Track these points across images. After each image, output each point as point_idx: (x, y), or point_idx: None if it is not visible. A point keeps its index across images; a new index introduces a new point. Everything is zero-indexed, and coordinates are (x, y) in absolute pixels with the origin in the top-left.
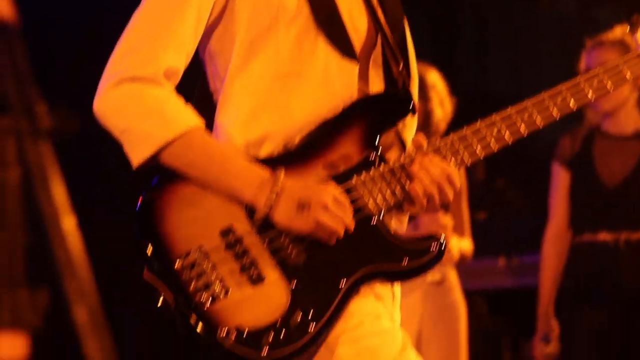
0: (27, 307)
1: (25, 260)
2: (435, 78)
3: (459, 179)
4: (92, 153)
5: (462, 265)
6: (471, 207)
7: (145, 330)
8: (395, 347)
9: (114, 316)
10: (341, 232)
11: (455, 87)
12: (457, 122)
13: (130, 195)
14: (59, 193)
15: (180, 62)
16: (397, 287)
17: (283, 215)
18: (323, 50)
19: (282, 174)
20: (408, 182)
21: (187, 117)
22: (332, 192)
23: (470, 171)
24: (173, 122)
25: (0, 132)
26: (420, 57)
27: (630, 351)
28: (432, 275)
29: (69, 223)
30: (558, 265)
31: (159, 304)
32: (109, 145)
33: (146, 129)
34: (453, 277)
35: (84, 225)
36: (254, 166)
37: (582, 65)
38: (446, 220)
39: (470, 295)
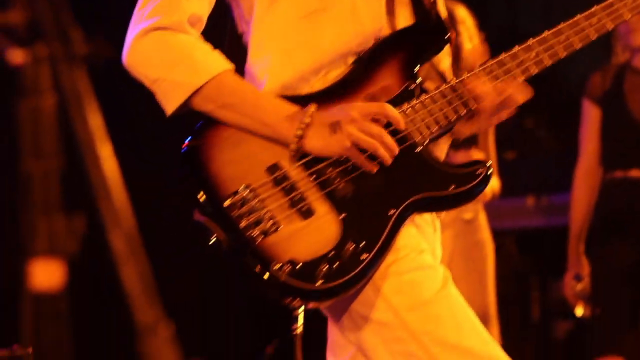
0: (64, 233)
1: (61, 187)
2: (464, 13)
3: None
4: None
5: (491, 205)
6: (500, 146)
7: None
8: (437, 283)
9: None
10: (378, 145)
11: (484, 23)
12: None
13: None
14: (95, 119)
15: (202, 8)
16: (438, 220)
17: (316, 143)
18: None
19: (312, 107)
20: (468, 101)
21: (216, 61)
22: (357, 105)
23: None
24: (202, 67)
25: (35, 59)
26: None
27: None
28: (466, 213)
29: (104, 149)
30: (589, 203)
31: (211, 243)
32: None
33: (176, 77)
34: (482, 216)
35: (118, 151)
36: (285, 103)
37: None
38: (480, 155)
39: (499, 235)
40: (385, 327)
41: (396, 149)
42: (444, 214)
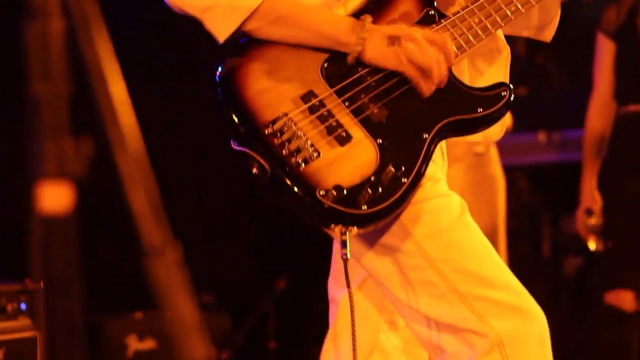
0: (72, 156)
1: (69, 110)
2: None
3: None
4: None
5: (502, 140)
6: (512, 82)
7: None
8: (454, 211)
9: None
10: (434, 67)
11: None
12: None
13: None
14: (103, 43)
15: None
16: (444, 146)
17: (375, 51)
18: None
19: (369, 18)
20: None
21: None
22: (422, 31)
23: (510, 46)
24: None
25: None
26: None
27: None
28: (478, 147)
29: (111, 72)
30: (602, 137)
31: (254, 172)
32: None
33: (230, 3)
34: (493, 151)
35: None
36: (336, 14)
37: None
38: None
39: (510, 170)
40: (403, 254)
41: (446, 77)
42: (456, 147)
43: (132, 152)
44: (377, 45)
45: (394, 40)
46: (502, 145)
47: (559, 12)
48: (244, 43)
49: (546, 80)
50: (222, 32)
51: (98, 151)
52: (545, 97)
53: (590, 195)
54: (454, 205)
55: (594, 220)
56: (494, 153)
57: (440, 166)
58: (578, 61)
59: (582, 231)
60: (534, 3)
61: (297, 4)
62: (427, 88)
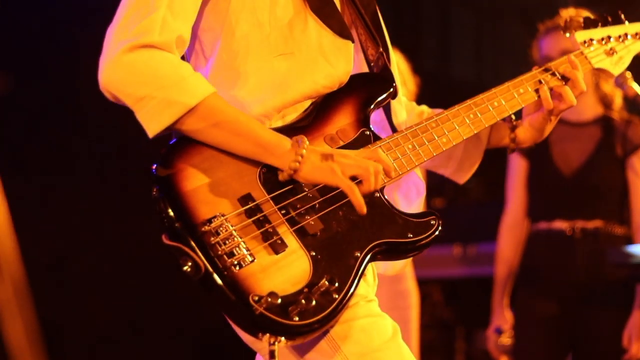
0: None
1: None
2: (398, 59)
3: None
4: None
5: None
6: (429, 194)
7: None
8: (387, 331)
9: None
10: (370, 177)
11: (417, 69)
12: (419, 104)
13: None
14: None
15: (187, 32)
16: (376, 269)
17: (309, 167)
18: (315, 29)
19: (304, 137)
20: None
21: (205, 83)
22: (355, 151)
23: None
24: (194, 87)
25: None
26: None
27: (581, 340)
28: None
29: None
30: (514, 255)
31: (186, 269)
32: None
33: (169, 96)
34: (407, 264)
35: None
36: (275, 132)
37: (537, 54)
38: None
39: (425, 284)
40: None
41: (378, 187)
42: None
43: (10, 279)
44: (312, 162)
45: (327, 157)
46: (417, 257)
47: (480, 160)
48: (183, 137)
49: (463, 193)
50: (152, 127)
51: None
52: (461, 210)
53: (501, 314)
54: (387, 326)
55: (505, 339)
56: (408, 268)
57: (372, 287)
58: (494, 175)
59: (492, 350)
60: (464, 137)
61: (237, 111)
62: (358, 203)
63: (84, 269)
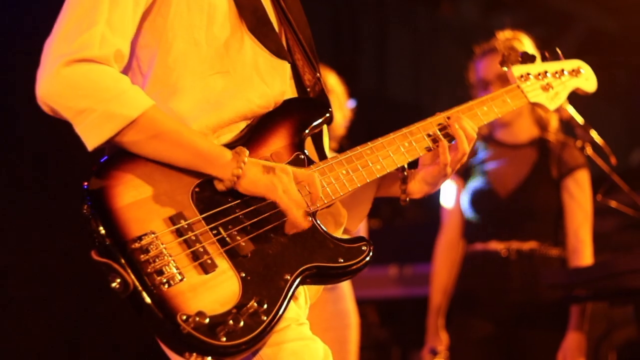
0: None
1: None
2: (334, 82)
3: None
4: None
5: None
6: None
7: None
8: (318, 355)
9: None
10: (302, 204)
11: (355, 91)
12: (357, 127)
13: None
14: None
15: (126, 47)
16: (307, 291)
17: (250, 179)
18: (251, 48)
19: (245, 150)
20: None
21: (144, 96)
22: (294, 168)
23: None
24: (134, 100)
25: None
26: (320, 60)
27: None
28: None
29: None
30: (449, 276)
31: (115, 285)
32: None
33: (109, 109)
34: (346, 285)
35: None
36: (215, 144)
37: (473, 76)
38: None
39: (360, 304)
40: None
41: (306, 222)
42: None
43: None
44: (253, 173)
45: (269, 170)
46: (353, 278)
47: (369, 208)
48: (116, 153)
49: (399, 214)
50: (93, 139)
51: None
52: (398, 231)
53: (436, 335)
54: (318, 349)
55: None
56: (347, 288)
57: (304, 309)
58: (431, 196)
59: None
60: (398, 165)
61: (177, 123)
62: (297, 222)
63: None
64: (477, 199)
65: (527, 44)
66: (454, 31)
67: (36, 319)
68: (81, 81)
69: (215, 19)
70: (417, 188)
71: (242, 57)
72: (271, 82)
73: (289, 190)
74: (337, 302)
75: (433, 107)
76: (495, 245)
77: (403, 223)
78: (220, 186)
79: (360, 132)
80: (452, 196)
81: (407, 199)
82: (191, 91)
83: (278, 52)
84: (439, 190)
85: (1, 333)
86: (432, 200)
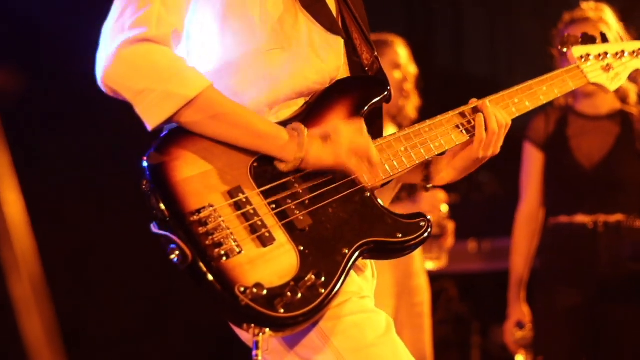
0: None
1: None
2: (402, 47)
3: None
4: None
5: None
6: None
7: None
8: (380, 327)
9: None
10: (371, 154)
11: (430, 69)
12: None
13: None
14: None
15: (181, 26)
16: (374, 264)
17: (315, 155)
18: (305, 25)
19: (301, 125)
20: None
21: (202, 76)
22: (347, 129)
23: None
24: (192, 80)
25: None
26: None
27: (603, 334)
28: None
29: (8, 190)
30: (530, 248)
31: (173, 257)
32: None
33: (168, 88)
34: (418, 261)
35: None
36: (273, 123)
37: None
38: (442, 195)
39: (440, 278)
40: None
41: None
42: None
43: (27, 276)
44: (315, 149)
45: (325, 138)
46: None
47: (391, 198)
48: (175, 129)
49: (476, 188)
50: (153, 118)
51: None
52: (475, 205)
53: (519, 308)
54: (381, 321)
55: (522, 333)
56: (419, 264)
57: (371, 282)
58: (508, 169)
59: (510, 344)
60: (457, 143)
61: (234, 103)
62: (370, 173)
63: (101, 264)
64: (561, 170)
65: (609, 15)
66: (530, 4)
67: (117, 298)
68: (140, 62)
69: None
70: (443, 174)
71: (297, 33)
72: (326, 57)
73: (352, 144)
74: (409, 278)
75: (509, 82)
76: (582, 218)
77: (480, 197)
78: (282, 167)
79: (436, 110)
80: (533, 168)
81: (429, 185)
82: (247, 68)
83: (331, 27)
84: (515, 164)
85: (85, 309)
86: (509, 174)
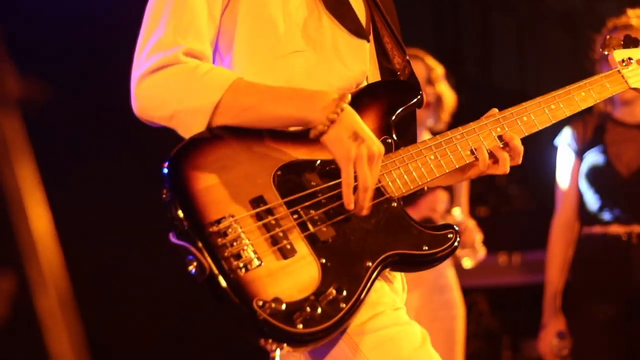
0: None
1: None
2: (434, 62)
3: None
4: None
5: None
6: (472, 202)
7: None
8: (415, 340)
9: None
10: (369, 185)
11: (459, 79)
12: (462, 114)
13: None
14: (26, 171)
15: (202, 45)
16: (404, 277)
17: (334, 136)
18: (329, 28)
19: (348, 97)
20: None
21: (223, 74)
22: (380, 147)
23: None
24: (211, 85)
25: None
26: (423, 49)
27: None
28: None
29: (35, 204)
30: (566, 257)
31: (191, 269)
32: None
33: (191, 104)
34: (451, 275)
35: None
36: (310, 90)
37: (599, 50)
38: (443, 195)
39: (470, 293)
40: None
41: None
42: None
43: (55, 290)
44: (339, 132)
45: (357, 138)
46: (462, 267)
47: None
48: (196, 137)
49: (507, 201)
50: (193, 134)
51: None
52: (505, 219)
53: (555, 318)
54: (416, 334)
55: (562, 343)
56: (452, 278)
57: (401, 295)
58: (538, 183)
59: (547, 355)
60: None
61: (259, 88)
62: (347, 199)
63: (129, 280)
64: (598, 178)
65: None
66: (558, 16)
67: (145, 314)
68: (159, 91)
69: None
70: (441, 180)
71: (321, 36)
72: (350, 62)
73: (362, 170)
74: (443, 293)
75: (537, 93)
76: (616, 229)
77: (510, 210)
78: (313, 132)
79: (465, 121)
80: (569, 176)
81: (427, 188)
82: (272, 72)
83: (357, 31)
84: (545, 176)
85: (113, 325)
86: (538, 187)
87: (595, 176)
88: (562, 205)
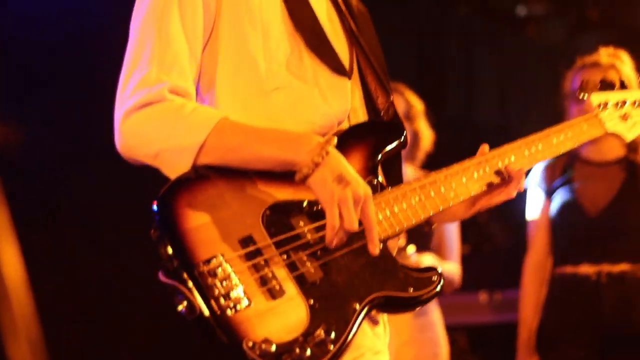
0: None
1: None
2: (414, 98)
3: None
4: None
5: (443, 300)
6: None
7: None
8: None
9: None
10: (355, 228)
11: (441, 116)
12: (444, 150)
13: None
14: None
15: (186, 83)
16: (386, 318)
17: (318, 179)
18: (310, 65)
19: (334, 140)
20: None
21: (208, 114)
22: (367, 189)
23: None
24: (197, 124)
25: None
26: (406, 84)
27: None
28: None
29: (7, 251)
30: (539, 295)
31: (181, 308)
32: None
33: (177, 143)
34: (436, 314)
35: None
36: (295, 133)
37: (568, 86)
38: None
39: (450, 330)
40: None
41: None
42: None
43: (26, 338)
44: (324, 175)
45: (341, 181)
46: (443, 304)
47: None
48: (186, 174)
49: (487, 239)
50: (177, 174)
51: None
52: (486, 257)
53: (529, 357)
54: None
55: None
56: (437, 316)
57: (383, 338)
58: (518, 220)
59: None
60: (472, 194)
61: (244, 129)
62: (330, 240)
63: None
64: (567, 217)
65: (627, 63)
66: (541, 52)
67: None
68: (143, 129)
69: (270, 34)
70: (446, 217)
71: (303, 73)
72: (332, 100)
73: (348, 214)
74: (426, 331)
75: (520, 130)
76: (586, 269)
77: (491, 248)
78: (298, 176)
79: (447, 157)
80: (539, 215)
81: (433, 224)
82: (254, 109)
83: (337, 69)
84: (525, 215)
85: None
86: (519, 225)
87: (564, 215)
88: (534, 245)
